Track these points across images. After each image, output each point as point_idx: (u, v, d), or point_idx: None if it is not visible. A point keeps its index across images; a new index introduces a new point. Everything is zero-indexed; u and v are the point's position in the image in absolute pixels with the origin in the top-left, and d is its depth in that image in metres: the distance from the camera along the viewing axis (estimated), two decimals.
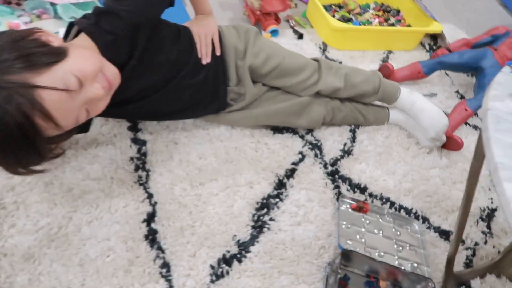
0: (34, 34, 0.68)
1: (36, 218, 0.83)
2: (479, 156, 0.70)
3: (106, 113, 0.82)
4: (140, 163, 0.96)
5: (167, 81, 0.92)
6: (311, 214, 0.97)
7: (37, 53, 0.65)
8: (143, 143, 1.00)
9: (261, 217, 0.93)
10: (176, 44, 0.94)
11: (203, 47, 0.97)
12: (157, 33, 0.89)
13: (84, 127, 0.91)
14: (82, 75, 0.69)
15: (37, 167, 0.71)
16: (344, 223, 0.94)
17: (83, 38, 0.77)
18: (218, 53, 0.99)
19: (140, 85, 0.88)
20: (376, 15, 1.57)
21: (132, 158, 0.97)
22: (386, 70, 1.31)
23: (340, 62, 1.40)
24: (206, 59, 0.97)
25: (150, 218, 0.88)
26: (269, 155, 1.06)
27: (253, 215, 0.93)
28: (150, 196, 0.91)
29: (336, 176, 1.06)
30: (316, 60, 1.10)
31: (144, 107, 0.94)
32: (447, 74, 1.49)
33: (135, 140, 1.00)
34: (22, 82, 0.62)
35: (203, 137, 1.05)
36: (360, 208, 0.98)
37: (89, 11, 0.80)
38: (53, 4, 1.14)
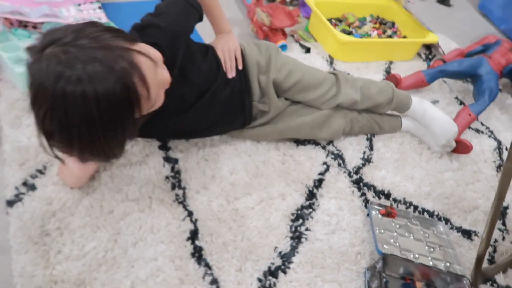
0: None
1: (82, 243, 0.82)
2: None
3: (141, 132, 0.83)
4: (176, 181, 0.97)
5: (200, 95, 0.96)
6: (343, 222, 1.00)
7: (120, 30, 0.71)
8: (175, 161, 1.01)
9: (298, 228, 0.96)
10: (205, 59, 0.98)
11: (228, 61, 1.01)
12: (189, 48, 0.93)
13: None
14: (156, 56, 0.74)
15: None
16: (377, 228, 0.98)
17: None
18: (240, 67, 1.03)
19: (179, 96, 0.91)
20: (374, 27, 1.64)
21: (167, 177, 0.97)
22: (393, 80, 1.37)
23: (348, 74, 1.46)
24: (231, 73, 1.01)
25: (194, 235, 0.89)
26: (296, 167, 1.09)
27: (291, 226, 0.96)
28: (190, 213, 0.92)
29: (361, 184, 1.10)
30: (333, 73, 1.15)
31: (178, 124, 0.96)
32: (444, 82, 1.57)
33: (167, 159, 1.01)
34: (121, 45, 0.65)
35: (231, 153, 1.07)
36: (388, 213, 1.03)
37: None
38: None
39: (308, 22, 1.60)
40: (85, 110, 0.60)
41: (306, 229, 0.97)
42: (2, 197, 0.87)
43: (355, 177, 1.12)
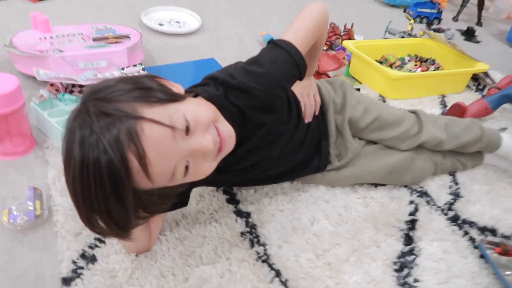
0: (157, 77, 0.63)
1: None
2: None
3: (207, 181, 0.70)
4: (253, 237, 0.83)
5: (283, 148, 0.86)
6: (455, 267, 0.84)
7: (154, 89, 0.59)
8: (248, 215, 0.88)
9: (406, 279, 0.79)
10: (290, 110, 0.87)
11: (308, 107, 0.92)
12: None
13: (182, 200, 0.79)
14: (194, 119, 0.59)
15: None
16: (501, 270, 0.81)
17: (202, 101, 0.69)
18: (317, 113, 0.94)
19: (259, 156, 0.81)
20: (415, 65, 1.59)
21: (243, 233, 0.84)
22: (458, 109, 1.27)
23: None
24: (309, 119, 0.92)
25: None
26: (382, 209, 0.95)
27: (397, 278, 0.79)
28: (278, 273, 0.77)
29: (459, 221, 0.95)
30: (412, 111, 1.04)
31: (255, 172, 0.85)
32: (504, 109, 1.47)
33: (238, 213, 0.88)
34: (128, 111, 0.53)
35: (306, 200, 0.95)
36: (506, 251, 0.86)
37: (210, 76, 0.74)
38: None
39: (348, 67, 1.55)
40: (72, 174, 0.55)
41: (415, 280, 0.80)
42: (56, 275, 0.73)
43: (450, 214, 0.96)
